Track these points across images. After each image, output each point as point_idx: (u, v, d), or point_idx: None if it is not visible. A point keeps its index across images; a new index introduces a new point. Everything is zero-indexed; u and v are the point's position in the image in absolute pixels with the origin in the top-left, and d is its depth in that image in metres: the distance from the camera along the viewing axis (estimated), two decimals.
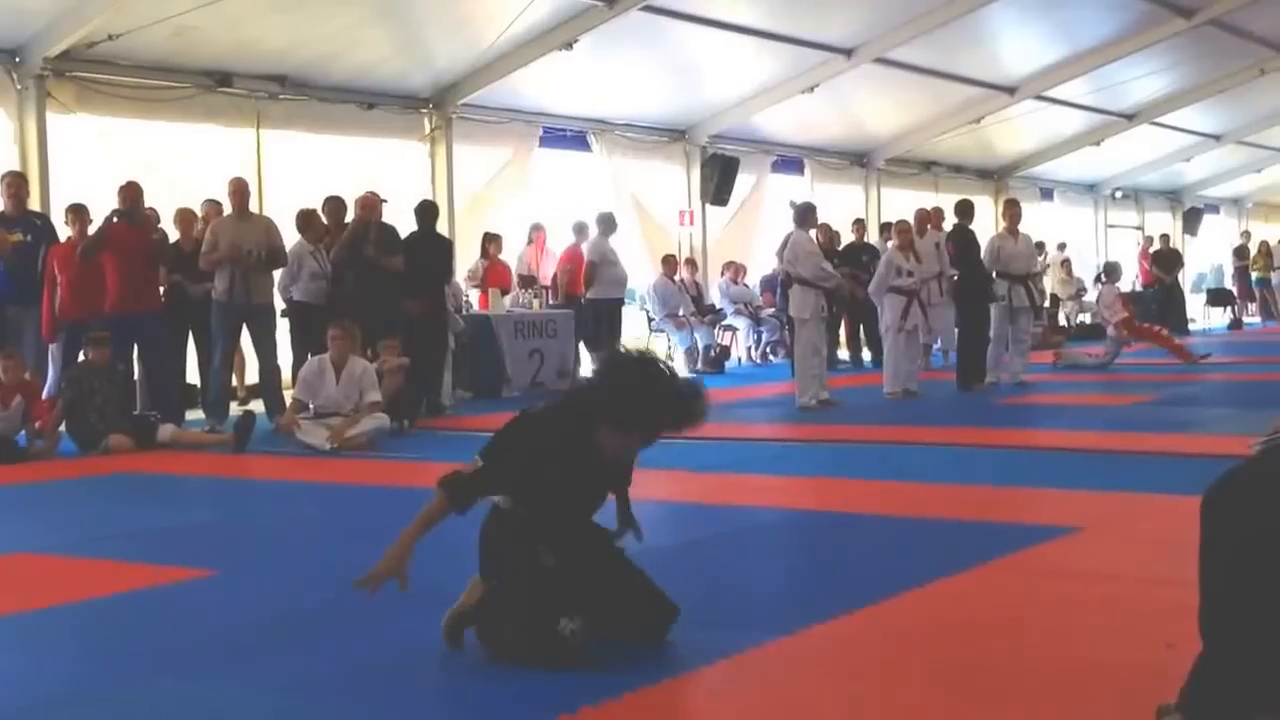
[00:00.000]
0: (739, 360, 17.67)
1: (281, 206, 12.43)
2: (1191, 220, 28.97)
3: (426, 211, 11.77)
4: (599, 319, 14.23)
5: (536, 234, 15.47)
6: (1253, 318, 27.56)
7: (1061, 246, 24.08)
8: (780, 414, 11.14)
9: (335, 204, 11.66)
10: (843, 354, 16.76)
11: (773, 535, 5.98)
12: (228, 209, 11.04)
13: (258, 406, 10.93)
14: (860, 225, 17.34)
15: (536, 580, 3.77)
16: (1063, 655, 3.77)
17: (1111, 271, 16.30)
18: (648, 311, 17.00)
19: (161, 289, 10.90)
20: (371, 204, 11.19)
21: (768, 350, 17.75)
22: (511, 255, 15.39)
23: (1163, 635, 3.65)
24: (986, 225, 16.66)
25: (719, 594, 4.10)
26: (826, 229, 15.48)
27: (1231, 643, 2.81)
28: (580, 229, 14.88)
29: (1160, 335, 15.67)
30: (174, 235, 11.50)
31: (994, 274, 13.04)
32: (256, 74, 13.28)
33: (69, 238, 10.50)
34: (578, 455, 3.78)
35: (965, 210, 13.31)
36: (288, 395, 10.39)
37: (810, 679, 3.72)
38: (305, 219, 11.55)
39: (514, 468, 3.81)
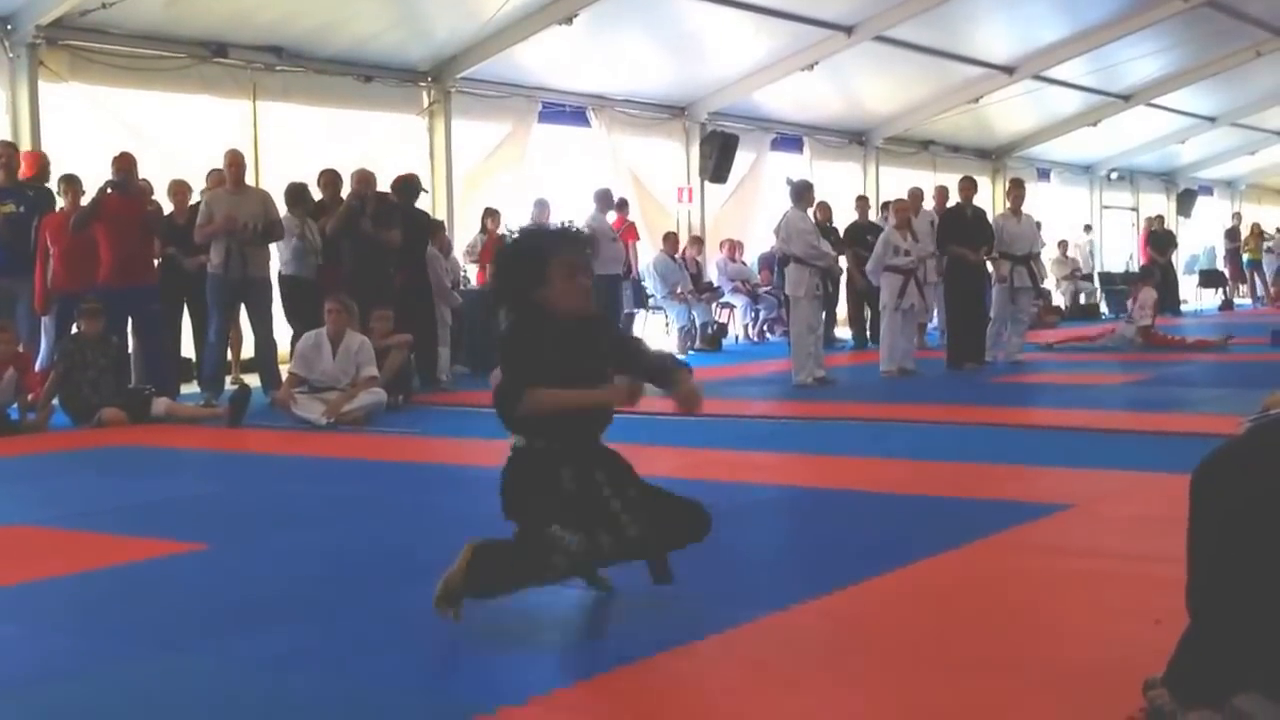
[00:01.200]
0: (736, 338, 17.70)
1: (277, 179, 12.37)
2: (1185, 202, 28.99)
3: (407, 186, 11.78)
4: (597, 296, 14.21)
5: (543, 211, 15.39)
6: (1244, 299, 27.63)
7: (1087, 228, 24.09)
8: (776, 391, 11.16)
9: (331, 177, 11.65)
10: (842, 333, 16.78)
11: (766, 511, 6.01)
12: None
13: (253, 380, 10.94)
14: (863, 202, 17.29)
15: (561, 503, 3.86)
16: (1052, 631, 3.80)
17: (1149, 274, 16.33)
18: (645, 288, 17.00)
19: (156, 261, 10.90)
20: (367, 178, 11.19)
21: (765, 328, 17.77)
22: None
23: (1151, 611, 3.67)
24: (983, 205, 16.65)
25: (712, 569, 4.12)
26: (824, 206, 15.48)
27: (1217, 618, 2.83)
28: (541, 205, 14.93)
29: (1175, 343, 15.51)
30: (168, 207, 11.50)
31: (997, 254, 13.10)
32: (252, 45, 13.23)
33: (62, 208, 10.47)
34: (552, 331, 3.92)
35: (962, 189, 13.34)
36: (284, 370, 10.40)
37: (801, 654, 3.75)
38: (295, 193, 11.53)
39: (528, 362, 3.93)
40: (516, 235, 4.25)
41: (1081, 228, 24.56)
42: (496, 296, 4.20)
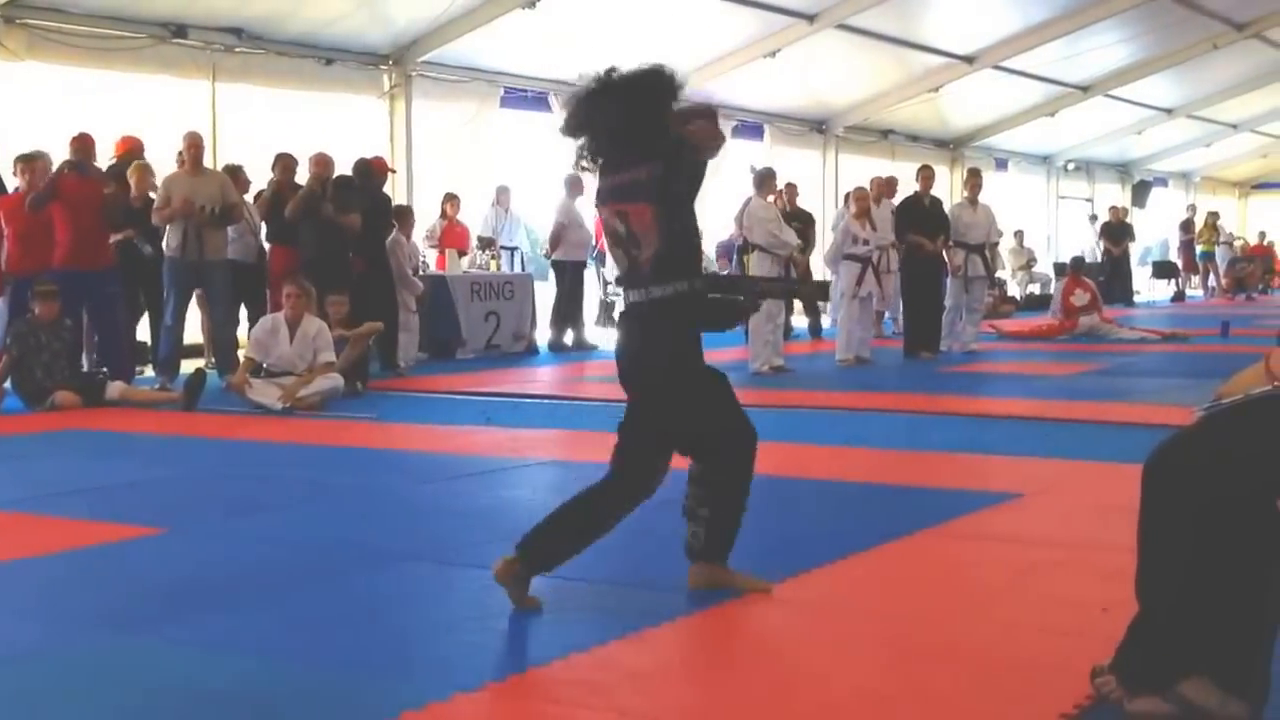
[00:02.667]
0: None
1: (237, 161, 12.35)
2: (1140, 193, 29.22)
3: (369, 170, 11.73)
4: (561, 280, 14.27)
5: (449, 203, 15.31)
6: (1196, 290, 27.92)
7: (1018, 234, 24.24)
8: (733, 379, 11.10)
9: (287, 161, 11.59)
10: (797, 321, 16.82)
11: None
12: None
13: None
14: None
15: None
16: (1003, 618, 3.85)
17: (1077, 266, 16.45)
18: (603, 275, 16.98)
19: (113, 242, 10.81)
20: (325, 162, 11.14)
21: None
22: (470, 216, 15.35)
23: (1100, 598, 3.73)
24: (942, 194, 16.74)
25: (664, 558, 4.13)
26: (791, 188, 15.42)
27: (1165, 606, 2.88)
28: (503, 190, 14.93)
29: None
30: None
31: (952, 243, 13.19)
32: (212, 26, 13.11)
33: (17, 189, 10.35)
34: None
35: (921, 178, 13.42)
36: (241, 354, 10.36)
37: (753, 641, 3.79)
38: (231, 175, 11.45)
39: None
40: (615, 72, 3.95)
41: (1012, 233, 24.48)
42: (622, 135, 3.87)
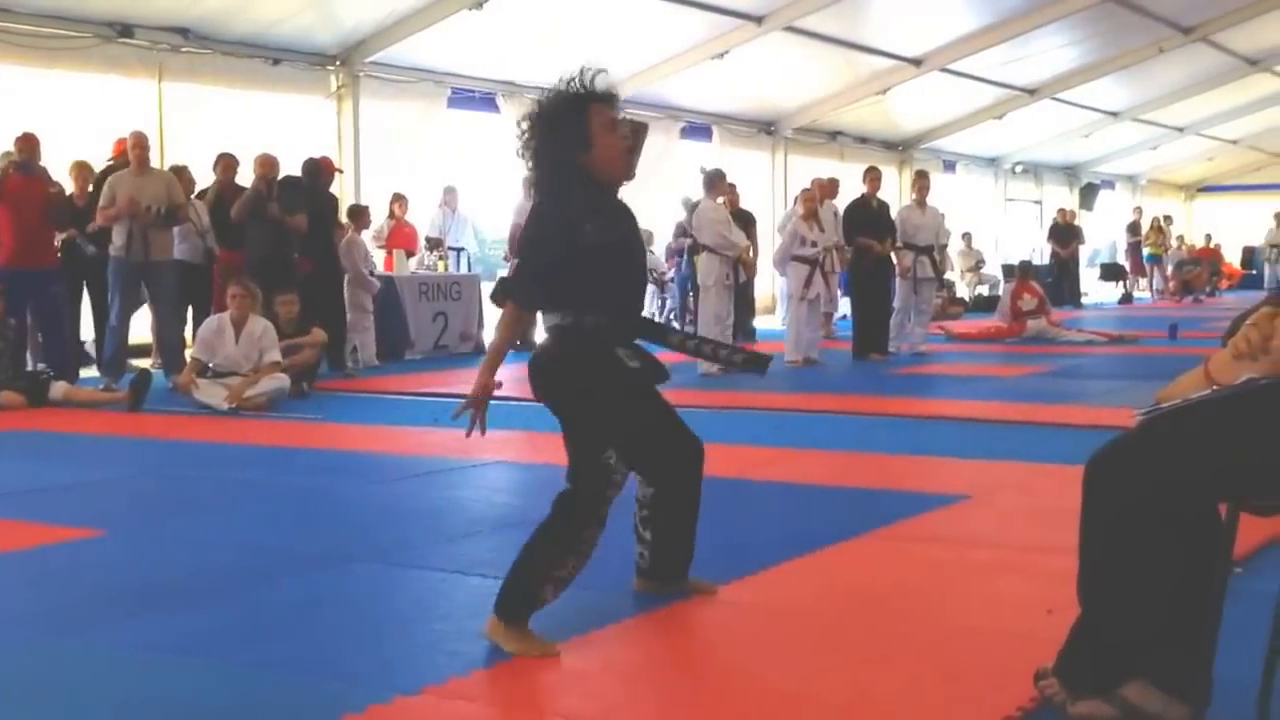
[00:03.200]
0: None
1: (184, 161, 12.22)
2: (1088, 196, 29.51)
3: (316, 169, 11.64)
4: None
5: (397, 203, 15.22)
6: (1144, 293, 28.22)
7: (966, 236, 24.43)
8: (682, 380, 11.13)
9: (229, 161, 11.49)
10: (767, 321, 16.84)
11: None
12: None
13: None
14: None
15: (630, 384, 3.77)
16: (948, 620, 3.86)
17: (1024, 270, 16.59)
18: None
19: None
20: (271, 162, 11.05)
21: (670, 317, 17.81)
22: (418, 217, 15.27)
23: (1044, 601, 3.75)
24: (890, 196, 16.83)
25: (608, 559, 4.10)
26: (731, 190, 15.40)
27: (1106, 609, 2.89)
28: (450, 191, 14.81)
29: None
30: (70, 188, 11.27)
31: (900, 244, 13.26)
32: (158, 25, 12.98)
33: None
34: (595, 198, 3.75)
35: (868, 180, 13.46)
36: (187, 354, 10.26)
37: (699, 643, 3.78)
38: (176, 175, 11.33)
39: (553, 244, 3.70)
40: (543, 98, 3.85)
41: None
42: (534, 171, 3.83)
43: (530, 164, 3.82)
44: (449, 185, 15.53)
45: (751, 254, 13.52)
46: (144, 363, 11.31)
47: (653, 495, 3.99)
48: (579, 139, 3.70)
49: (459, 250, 14.98)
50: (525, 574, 3.65)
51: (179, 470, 6.96)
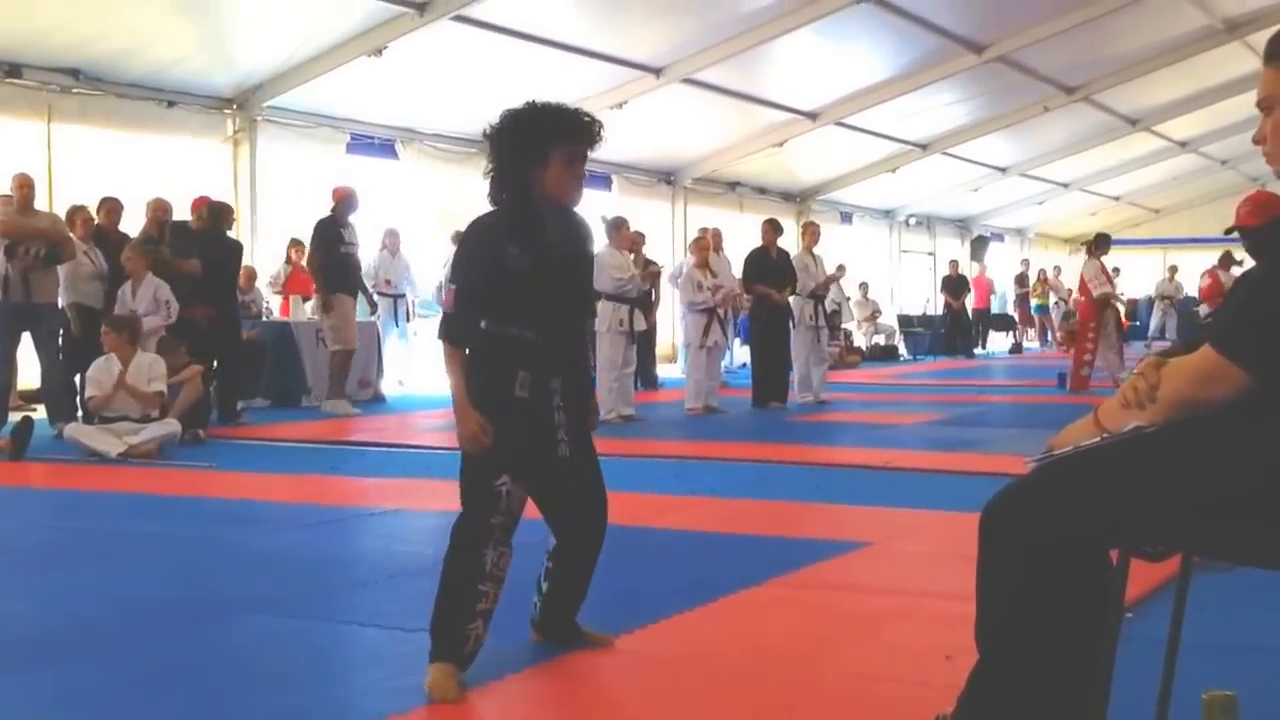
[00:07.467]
0: None
1: (74, 204, 11.96)
2: (978, 248, 30.12)
3: (217, 214, 11.48)
4: None
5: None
6: (1032, 342, 28.83)
7: (863, 286, 24.76)
8: None
9: (111, 205, 11.27)
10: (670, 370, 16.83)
11: None
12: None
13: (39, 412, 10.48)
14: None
15: (512, 410, 3.68)
16: (847, 667, 3.87)
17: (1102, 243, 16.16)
18: None
19: None
20: (164, 206, 10.88)
21: None
22: None
23: (944, 647, 3.77)
24: (790, 245, 16.99)
25: (512, 607, 4.05)
26: (634, 237, 15.41)
27: (1001, 656, 2.92)
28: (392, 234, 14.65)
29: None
30: None
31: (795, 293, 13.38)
32: (48, 66, 12.76)
33: None
34: (529, 224, 3.72)
35: (765, 232, 13.55)
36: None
37: (597, 694, 3.74)
38: (72, 216, 11.10)
39: (477, 269, 3.71)
40: (517, 109, 3.82)
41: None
42: (489, 164, 3.85)
43: (490, 155, 3.85)
44: (390, 229, 15.37)
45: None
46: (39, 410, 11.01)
47: (555, 546, 3.95)
48: (535, 154, 3.72)
49: (398, 297, 14.83)
50: (444, 610, 3.63)
51: (64, 520, 6.76)
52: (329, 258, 11.97)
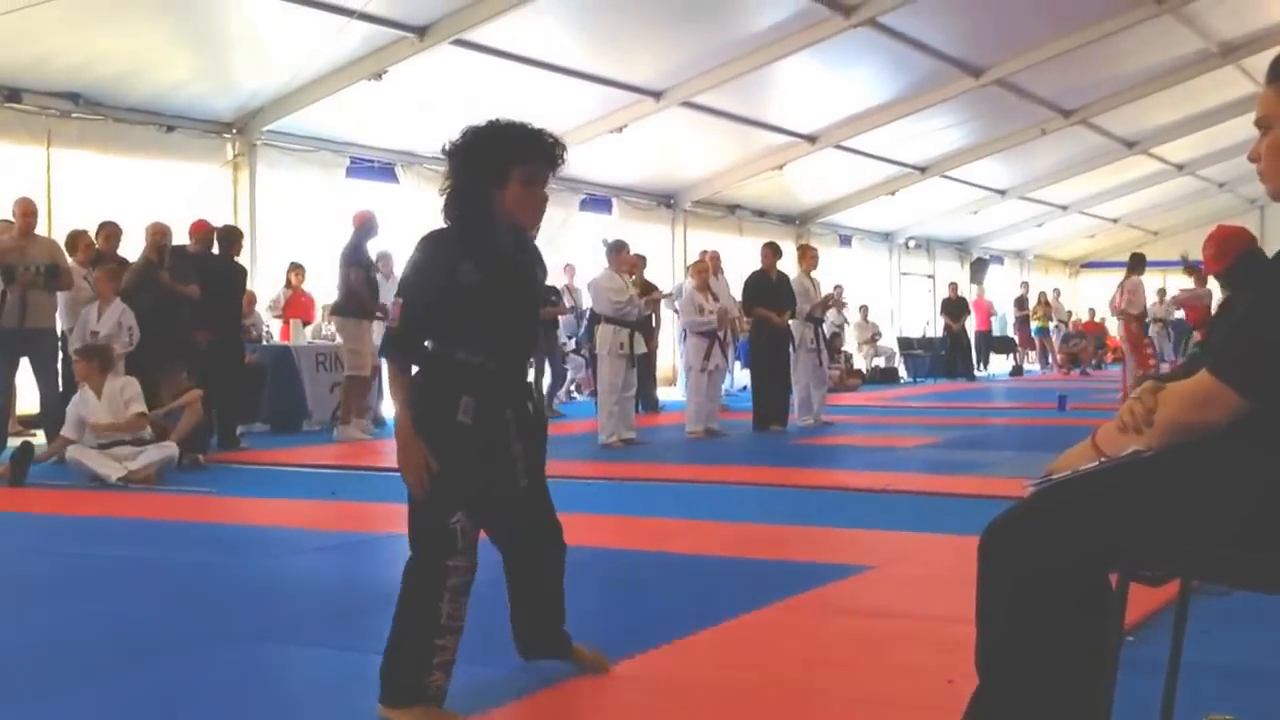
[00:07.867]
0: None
1: (74, 229, 11.98)
2: (978, 270, 30.14)
3: (227, 238, 11.50)
4: None
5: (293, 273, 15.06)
6: (1033, 365, 28.83)
7: (863, 309, 24.77)
8: (582, 451, 11.12)
9: (110, 230, 11.27)
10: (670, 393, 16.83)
11: (570, 574, 5.95)
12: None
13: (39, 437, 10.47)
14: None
15: (457, 437, 3.49)
16: (849, 691, 3.86)
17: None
18: None
19: None
20: (163, 231, 10.89)
21: (571, 388, 17.80)
22: (316, 285, 15.12)
23: (945, 670, 3.76)
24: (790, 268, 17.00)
25: (503, 634, 4.03)
26: (634, 260, 15.42)
27: (1001, 680, 2.91)
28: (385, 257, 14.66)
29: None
30: None
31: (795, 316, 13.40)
32: (48, 91, 12.80)
33: None
34: (485, 241, 3.57)
35: (764, 255, 13.56)
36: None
37: (603, 718, 3.73)
38: (73, 240, 11.12)
39: (429, 284, 3.52)
40: (479, 125, 3.66)
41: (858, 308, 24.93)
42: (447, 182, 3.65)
43: (448, 171, 3.68)
44: (383, 252, 15.35)
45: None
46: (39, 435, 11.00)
47: (513, 569, 3.86)
48: (495, 172, 3.57)
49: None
50: (398, 662, 3.49)
51: (62, 546, 6.73)
52: (368, 280, 11.99)
